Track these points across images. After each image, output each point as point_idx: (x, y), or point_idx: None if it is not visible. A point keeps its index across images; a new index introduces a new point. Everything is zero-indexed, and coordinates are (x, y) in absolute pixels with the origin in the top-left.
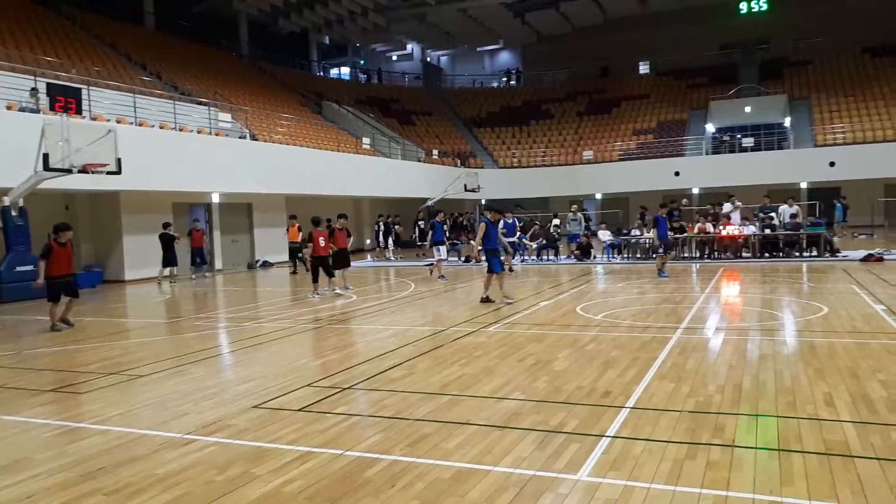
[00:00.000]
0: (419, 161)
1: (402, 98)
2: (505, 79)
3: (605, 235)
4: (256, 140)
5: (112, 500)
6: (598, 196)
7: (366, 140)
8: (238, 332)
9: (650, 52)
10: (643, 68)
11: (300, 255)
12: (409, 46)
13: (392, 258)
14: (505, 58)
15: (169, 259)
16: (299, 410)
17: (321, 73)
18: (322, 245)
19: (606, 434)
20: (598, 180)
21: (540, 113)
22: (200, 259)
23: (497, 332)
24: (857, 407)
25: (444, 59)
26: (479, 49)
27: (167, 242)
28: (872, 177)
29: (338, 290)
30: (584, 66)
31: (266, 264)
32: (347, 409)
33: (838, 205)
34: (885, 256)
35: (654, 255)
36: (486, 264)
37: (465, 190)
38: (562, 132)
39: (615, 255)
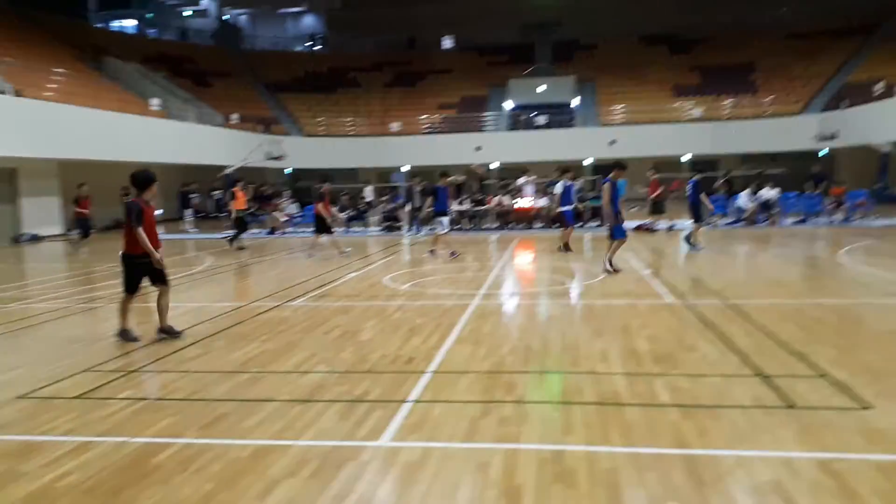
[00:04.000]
0: (217, 126)
1: (197, 58)
2: (309, 43)
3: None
4: (21, 97)
5: None
6: (405, 168)
7: (154, 101)
8: (1, 314)
9: (454, 26)
10: (447, 43)
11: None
12: (203, 1)
13: (189, 230)
14: (309, 21)
15: None
16: (76, 398)
17: (101, 25)
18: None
19: (408, 399)
20: (405, 153)
21: (347, 81)
22: None
23: (302, 306)
24: (627, 361)
25: (242, 18)
26: (280, 11)
27: None
28: (646, 155)
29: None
30: (391, 36)
31: (36, 238)
32: (134, 394)
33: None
34: (654, 227)
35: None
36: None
37: (268, 158)
38: (369, 102)
39: (422, 227)
